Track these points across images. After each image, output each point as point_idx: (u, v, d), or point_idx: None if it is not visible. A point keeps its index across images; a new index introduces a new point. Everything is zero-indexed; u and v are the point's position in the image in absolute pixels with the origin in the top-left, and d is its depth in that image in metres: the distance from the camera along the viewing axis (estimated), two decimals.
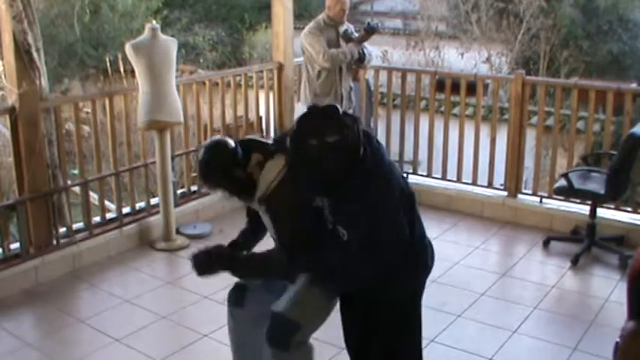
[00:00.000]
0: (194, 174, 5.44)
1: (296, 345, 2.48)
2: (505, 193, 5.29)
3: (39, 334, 3.83)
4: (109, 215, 4.82)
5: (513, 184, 5.25)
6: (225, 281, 4.24)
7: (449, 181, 5.53)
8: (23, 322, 3.89)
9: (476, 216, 5.31)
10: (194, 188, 5.32)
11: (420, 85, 5.84)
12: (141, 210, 4.93)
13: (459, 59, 11.66)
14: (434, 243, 4.92)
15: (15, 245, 4.24)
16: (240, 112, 5.64)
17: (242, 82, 5.58)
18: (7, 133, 4.40)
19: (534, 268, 4.54)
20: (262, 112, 5.81)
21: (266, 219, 2.59)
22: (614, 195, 4.47)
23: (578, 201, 4.90)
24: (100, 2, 11.97)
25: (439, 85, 5.58)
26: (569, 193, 4.66)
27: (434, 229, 5.07)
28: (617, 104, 4.92)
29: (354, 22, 6.10)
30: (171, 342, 3.59)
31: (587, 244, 4.57)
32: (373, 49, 5.52)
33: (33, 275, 4.20)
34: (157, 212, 4.84)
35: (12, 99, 4.06)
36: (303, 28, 5.13)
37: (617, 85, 5.06)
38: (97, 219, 4.67)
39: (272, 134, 5.97)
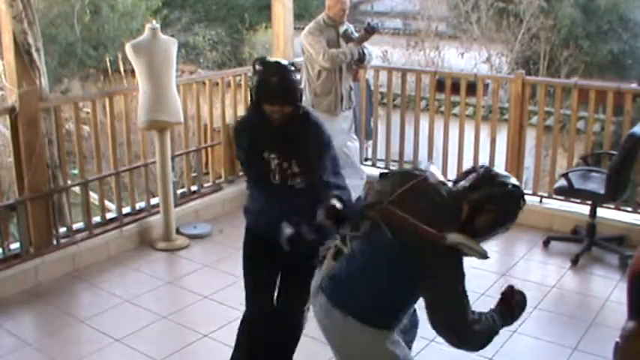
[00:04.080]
0: (194, 174, 5.44)
1: None
2: None
3: (39, 334, 3.83)
4: (109, 215, 4.82)
5: None
6: (224, 281, 4.26)
7: (449, 181, 5.52)
8: (23, 322, 3.89)
9: None
10: (194, 188, 5.32)
11: (420, 85, 5.85)
12: (141, 210, 4.93)
13: (459, 59, 11.65)
14: None
15: (15, 245, 4.24)
16: (240, 112, 5.64)
17: (242, 82, 5.59)
18: (7, 133, 4.40)
19: (534, 268, 4.54)
20: None
21: None
22: (614, 195, 4.47)
23: (578, 201, 4.90)
24: (100, 2, 11.96)
25: (439, 85, 5.58)
26: (569, 193, 4.66)
27: None
28: (617, 104, 4.92)
29: (354, 22, 6.09)
30: (171, 342, 3.59)
31: (587, 244, 4.57)
32: (373, 49, 5.52)
33: (33, 275, 4.20)
34: (157, 212, 4.84)
35: (12, 99, 4.06)
36: (303, 28, 5.12)
37: (617, 85, 5.06)
38: (97, 219, 4.67)
39: None
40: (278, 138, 2.81)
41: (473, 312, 2.25)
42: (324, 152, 2.88)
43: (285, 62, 2.78)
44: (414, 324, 2.66)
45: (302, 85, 2.89)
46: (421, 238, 2.16)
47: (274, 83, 2.68)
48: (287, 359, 3.10)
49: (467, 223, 2.18)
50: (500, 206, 2.21)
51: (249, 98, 2.84)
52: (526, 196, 5.48)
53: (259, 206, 3.00)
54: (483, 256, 2.18)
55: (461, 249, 2.14)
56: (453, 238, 2.12)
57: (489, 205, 2.19)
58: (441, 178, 2.35)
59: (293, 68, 2.74)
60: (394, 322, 2.35)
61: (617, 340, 2.58)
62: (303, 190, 2.83)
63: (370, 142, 6.19)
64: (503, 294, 2.36)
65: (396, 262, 2.23)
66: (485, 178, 2.24)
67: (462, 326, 2.19)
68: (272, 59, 2.83)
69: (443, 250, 2.14)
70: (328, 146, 2.90)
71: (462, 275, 2.20)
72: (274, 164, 2.82)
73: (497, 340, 3.53)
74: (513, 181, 2.27)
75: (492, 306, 2.38)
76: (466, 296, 2.21)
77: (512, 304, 2.34)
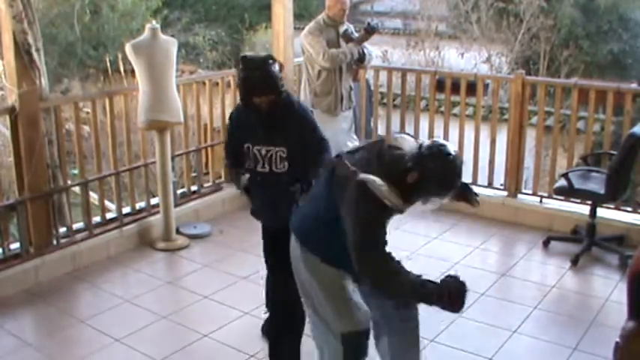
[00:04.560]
0: (194, 174, 5.44)
1: None
2: (505, 193, 5.29)
3: (39, 334, 3.83)
4: (109, 215, 4.82)
5: (513, 184, 5.25)
6: (224, 281, 4.26)
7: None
8: (23, 322, 3.89)
9: (476, 216, 5.30)
10: (194, 188, 5.32)
11: (420, 85, 5.84)
12: (141, 210, 4.93)
13: (459, 59, 11.65)
14: (434, 243, 4.93)
15: (15, 245, 4.24)
16: None
17: None
18: (7, 133, 4.40)
19: (534, 268, 4.54)
20: None
21: None
22: (614, 195, 4.47)
23: (578, 201, 4.90)
24: (100, 2, 11.96)
25: (439, 85, 5.58)
26: (569, 193, 4.66)
27: (434, 229, 5.07)
28: (617, 104, 4.92)
29: (354, 22, 6.08)
30: (171, 342, 3.59)
31: (587, 244, 4.57)
32: (373, 49, 5.52)
33: (33, 275, 4.20)
34: (157, 212, 4.84)
35: (12, 99, 4.06)
36: (303, 28, 5.12)
37: (617, 85, 5.06)
38: (97, 219, 4.67)
39: None
40: (266, 128, 3.14)
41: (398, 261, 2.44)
42: (313, 133, 3.20)
43: (263, 56, 3.14)
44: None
45: (282, 75, 3.16)
46: (343, 175, 2.48)
47: (257, 78, 3.05)
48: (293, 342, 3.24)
49: (399, 181, 2.40)
50: (425, 164, 2.40)
51: (238, 95, 3.20)
52: (526, 196, 5.49)
53: (254, 195, 3.33)
54: (386, 198, 2.37)
55: (369, 186, 2.37)
56: (364, 176, 2.39)
57: (417, 164, 2.40)
58: (404, 145, 2.51)
59: (271, 61, 3.10)
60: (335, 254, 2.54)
61: (617, 340, 2.58)
62: (285, 175, 3.14)
63: None
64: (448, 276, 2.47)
65: (328, 195, 2.56)
66: (423, 145, 2.46)
67: (363, 249, 2.41)
68: (252, 55, 3.20)
69: (355, 185, 2.40)
70: (316, 129, 3.22)
71: (371, 208, 2.39)
72: (262, 155, 3.16)
73: (497, 340, 3.55)
74: (445, 147, 2.45)
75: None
76: (373, 228, 2.42)
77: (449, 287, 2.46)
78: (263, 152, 3.16)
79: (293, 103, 3.22)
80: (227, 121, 3.45)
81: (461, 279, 2.42)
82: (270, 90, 3.05)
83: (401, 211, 2.47)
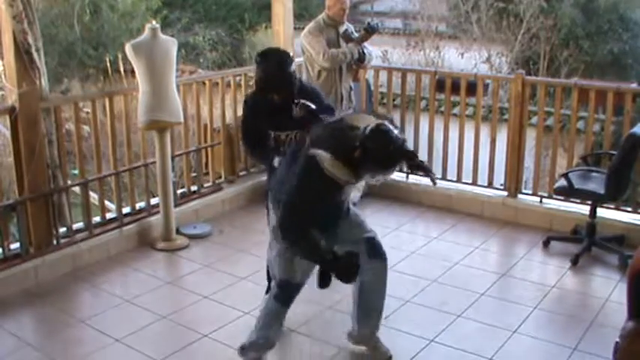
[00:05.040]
0: (194, 174, 5.44)
1: None
2: (505, 193, 5.29)
3: (39, 334, 3.83)
4: (109, 215, 4.82)
5: (513, 184, 5.25)
6: (224, 281, 4.26)
7: (449, 181, 5.52)
8: (23, 322, 3.89)
9: (476, 216, 5.31)
10: (194, 188, 5.32)
11: (420, 85, 5.84)
12: (141, 210, 4.93)
13: (459, 59, 11.65)
14: (434, 242, 4.93)
15: (15, 245, 4.24)
16: (240, 112, 5.63)
17: (242, 82, 5.59)
18: (7, 133, 4.40)
19: (534, 268, 4.54)
20: None
21: None
22: (614, 195, 4.47)
23: (578, 201, 4.90)
24: (100, 2, 11.98)
25: (439, 85, 5.57)
26: (569, 193, 4.66)
27: (434, 229, 5.07)
28: (617, 104, 4.92)
29: (354, 22, 6.09)
30: (171, 342, 3.59)
31: (587, 244, 4.57)
32: (373, 49, 5.52)
33: (33, 275, 4.20)
34: (157, 212, 4.84)
35: (12, 99, 4.06)
36: (303, 28, 5.13)
37: (617, 85, 5.06)
38: (97, 219, 4.67)
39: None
40: (281, 115, 3.39)
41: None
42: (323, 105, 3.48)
43: (282, 55, 3.45)
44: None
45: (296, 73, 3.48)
46: (299, 148, 2.88)
47: (274, 78, 3.39)
48: None
49: (348, 157, 2.72)
50: (366, 144, 2.69)
51: (254, 86, 3.53)
52: (526, 196, 5.48)
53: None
54: (330, 171, 2.72)
55: (317, 160, 2.73)
56: (314, 151, 2.75)
57: (361, 144, 2.70)
58: (361, 124, 2.77)
59: (289, 60, 3.42)
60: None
61: (617, 340, 2.58)
62: None
63: None
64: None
65: (292, 164, 2.92)
66: (368, 128, 2.73)
67: (288, 209, 2.84)
68: (272, 53, 3.52)
69: (305, 157, 2.80)
70: (324, 102, 3.53)
71: (315, 178, 2.76)
72: (282, 139, 3.47)
73: (497, 340, 3.56)
74: (385, 130, 2.71)
75: None
76: (305, 197, 2.81)
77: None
78: (282, 137, 3.48)
79: (306, 88, 3.55)
80: (242, 107, 3.71)
81: (354, 258, 2.90)
82: (286, 88, 3.40)
83: (351, 183, 2.84)
